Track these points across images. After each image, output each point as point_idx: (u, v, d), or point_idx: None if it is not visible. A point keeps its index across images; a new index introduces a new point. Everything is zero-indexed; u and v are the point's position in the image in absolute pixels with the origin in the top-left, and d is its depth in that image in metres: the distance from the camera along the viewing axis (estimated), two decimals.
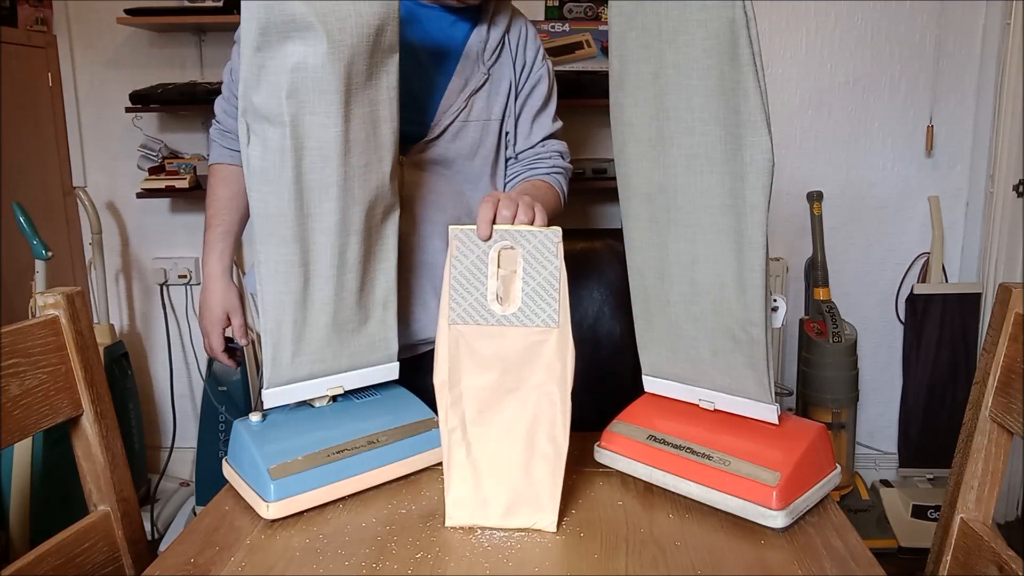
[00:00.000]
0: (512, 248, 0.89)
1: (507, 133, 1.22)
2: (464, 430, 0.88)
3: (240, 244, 1.21)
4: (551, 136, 1.25)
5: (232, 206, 1.20)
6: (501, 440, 0.87)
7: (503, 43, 1.18)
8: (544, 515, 0.85)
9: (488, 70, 1.17)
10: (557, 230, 0.88)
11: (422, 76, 1.13)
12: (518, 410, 0.87)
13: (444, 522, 0.86)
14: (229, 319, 1.21)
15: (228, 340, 1.23)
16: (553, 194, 1.22)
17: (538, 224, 0.90)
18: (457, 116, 1.15)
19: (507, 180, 1.25)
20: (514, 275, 0.89)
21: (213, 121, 1.24)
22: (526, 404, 0.87)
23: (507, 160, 1.25)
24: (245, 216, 1.23)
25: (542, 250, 0.88)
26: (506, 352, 0.88)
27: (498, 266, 0.89)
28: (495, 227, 0.89)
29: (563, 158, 1.26)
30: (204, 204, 2.60)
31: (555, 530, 0.84)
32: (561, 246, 0.88)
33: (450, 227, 0.91)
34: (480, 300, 0.89)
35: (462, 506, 0.87)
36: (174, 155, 2.37)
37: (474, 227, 0.89)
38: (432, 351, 1.22)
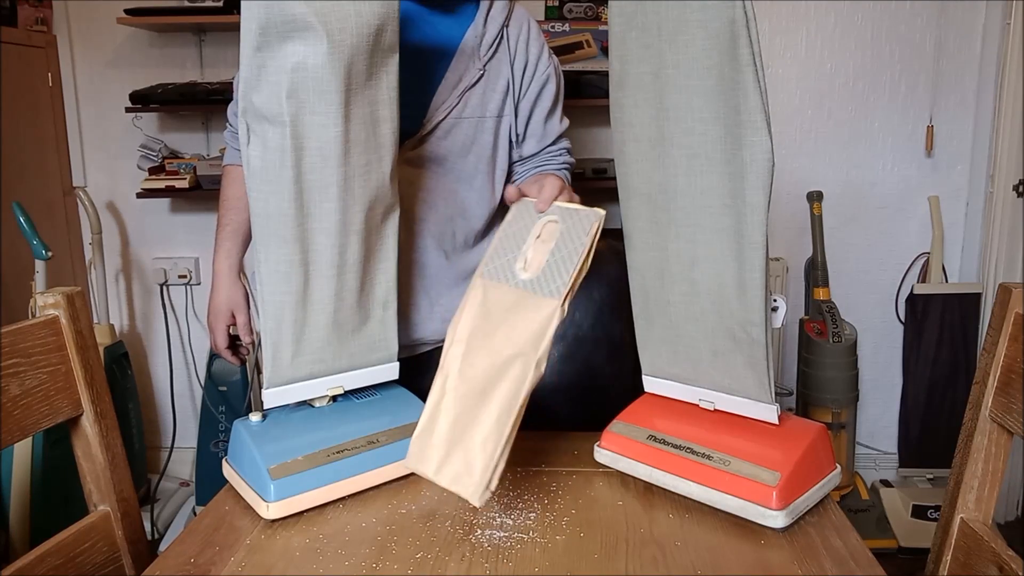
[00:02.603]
0: (556, 223, 0.93)
1: (517, 135, 1.21)
2: (449, 377, 0.88)
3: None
4: (561, 135, 1.25)
5: (240, 206, 1.21)
6: (468, 397, 0.86)
7: (501, 38, 1.16)
8: (469, 483, 0.81)
9: (484, 66, 1.14)
10: (600, 213, 0.91)
11: (415, 72, 1.11)
12: (492, 373, 0.86)
13: (443, 521, 0.86)
14: (234, 316, 1.22)
15: (234, 338, 1.24)
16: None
17: None
18: (449, 113, 1.13)
19: (516, 179, 1.24)
20: (546, 246, 0.92)
21: (227, 124, 1.25)
22: (502, 370, 0.86)
23: (514, 161, 1.23)
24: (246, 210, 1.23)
25: (578, 228, 0.91)
26: (506, 313, 0.89)
27: (538, 237, 0.93)
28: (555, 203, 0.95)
29: (569, 154, 1.27)
30: (204, 204, 2.61)
31: (478, 504, 0.81)
32: (597, 227, 0.90)
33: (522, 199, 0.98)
34: (511, 262, 0.92)
35: (416, 447, 0.87)
36: (174, 155, 2.37)
37: (535, 201, 0.95)
38: (430, 352, 1.21)
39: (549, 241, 0.92)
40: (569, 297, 0.87)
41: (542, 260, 0.91)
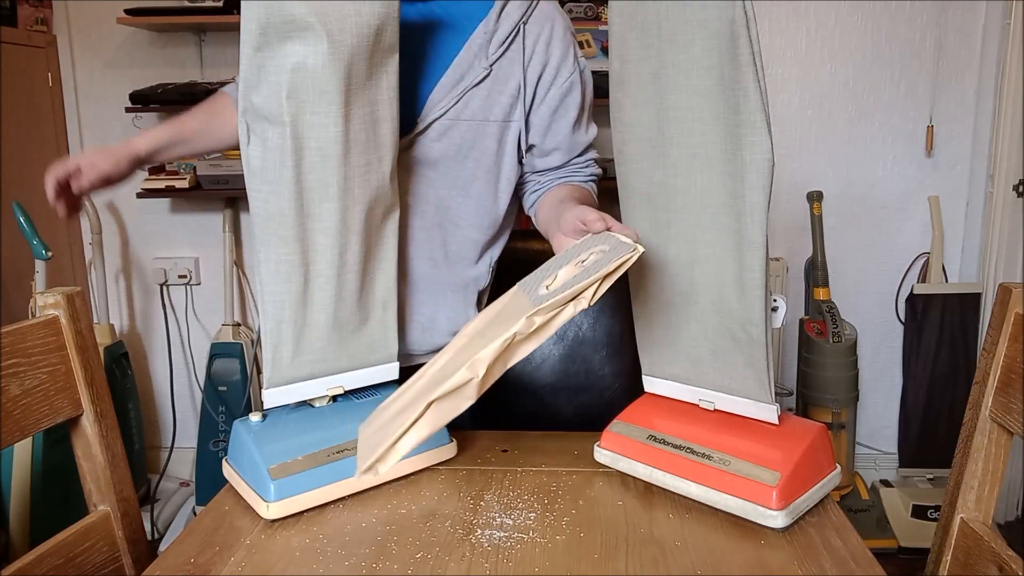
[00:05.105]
0: (604, 251, 0.85)
1: (531, 145, 1.12)
2: (431, 365, 0.82)
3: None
4: (589, 146, 1.18)
5: (195, 115, 1.14)
6: (423, 388, 0.79)
7: (516, 36, 1.06)
8: (362, 461, 0.76)
9: (491, 65, 1.05)
10: (638, 250, 0.81)
11: (413, 66, 1.04)
12: (448, 371, 0.78)
13: (444, 522, 0.86)
14: (81, 170, 1.07)
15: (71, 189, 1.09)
16: (593, 203, 1.14)
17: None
18: (446, 112, 1.04)
19: (537, 189, 1.16)
20: (577, 270, 0.84)
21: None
22: (453, 371, 0.77)
23: (536, 171, 1.16)
24: (200, 131, 1.15)
25: (609, 258, 0.82)
26: (505, 321, 0.80)
27: (583, 261, 0.85)
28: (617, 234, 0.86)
29: (596, 164, 1.19)
30: (204, 204, 2.60)
31: (355, 475, 0.75)
32: (622, 264, 0.80)
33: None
34: (544, 277, 0.85)
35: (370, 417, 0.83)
36: None
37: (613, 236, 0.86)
38: (424, 364, 1.18)
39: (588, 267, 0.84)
40: (545, 316, 0.77)
41: (564, 281, 0.82)
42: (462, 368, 0.75)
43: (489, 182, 1.11)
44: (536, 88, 1.09)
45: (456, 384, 0.74)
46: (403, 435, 0.75)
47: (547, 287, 0.83)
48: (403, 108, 0.99)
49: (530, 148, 1.13)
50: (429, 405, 0.75)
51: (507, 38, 1.05)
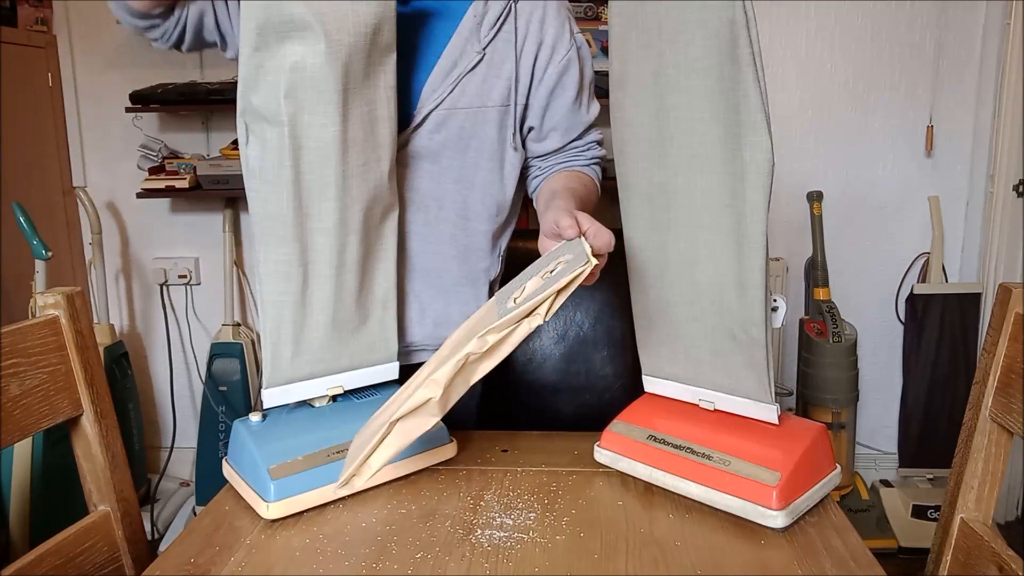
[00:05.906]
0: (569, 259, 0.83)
1: (530, 128, 1.10)
2: (413, 378, 0.83)
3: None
4: (590, 125, 1.14)
5: None
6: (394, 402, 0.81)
7: (507, 15, 1.03)
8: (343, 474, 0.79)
9: (483, 48, 1.02)
10: (591, 262, 0.79)
11: (407, 59, 1.01)
12: (416, 384, 0.80)
13: (444, 522, 0.86)
14: None
15: None
16: (593, 188, 1.13)
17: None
18: (441, 102, 1.02)
19: (538, 175, 1.14)
20: (541, 280, 0.83)
21: None
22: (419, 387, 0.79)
23: (537, 156, 1.13)
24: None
25: (567, 271, 0.80)
26: (463, 334, 0.81)
27: (551, 272, 0.83)
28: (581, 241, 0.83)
29: (600, 146, 1.16)
30: (204, 204, 2.59)
31: (333, 490, 0.78)
32: (574, 279, 0.78)
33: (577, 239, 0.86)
34: (513, 290, 0.85)
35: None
36: (174, 155, 2.37)
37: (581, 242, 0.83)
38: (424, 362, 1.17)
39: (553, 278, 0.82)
40: (498, 335, 0.77)
41: (529, 294, 0.81)
42: (420, 388, 0.76)
43: (493, 170, 1.09)
44: (533, 69, 1.07)
45: (416, 404, 0.76)
46: (371, 452, 0.78)
47: (515, 300, 0.83)
48: (398, 103, 0.98)
49: (529, 131, 1.11)
50: (393, 424, 0.77)
51: (498, 19, 1.03)
